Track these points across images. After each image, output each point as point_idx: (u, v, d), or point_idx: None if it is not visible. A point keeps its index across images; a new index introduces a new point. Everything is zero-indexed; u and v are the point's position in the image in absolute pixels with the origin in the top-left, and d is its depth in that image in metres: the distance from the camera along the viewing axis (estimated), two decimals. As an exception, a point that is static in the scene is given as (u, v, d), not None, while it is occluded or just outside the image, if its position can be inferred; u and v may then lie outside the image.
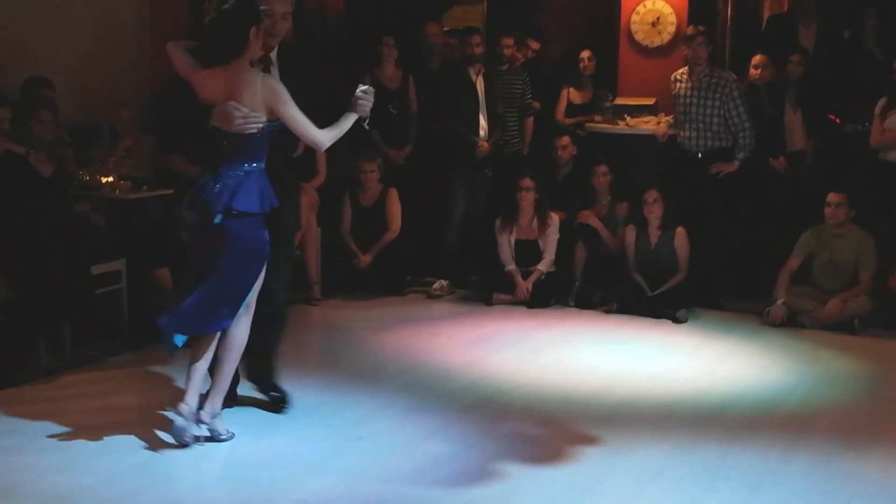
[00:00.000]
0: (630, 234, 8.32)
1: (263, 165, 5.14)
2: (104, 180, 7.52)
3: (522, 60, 9.65)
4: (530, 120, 9.38)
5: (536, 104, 9.43)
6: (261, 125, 5.03)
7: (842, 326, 7.66)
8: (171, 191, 7.57)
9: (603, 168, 8.62)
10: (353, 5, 9.65)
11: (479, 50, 8.76)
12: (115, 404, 5.92)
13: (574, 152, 9.06)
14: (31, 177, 6.62)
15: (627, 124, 9.05)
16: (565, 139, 9.08)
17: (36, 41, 7.91)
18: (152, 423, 5.55)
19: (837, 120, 8.88)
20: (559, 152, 9.04)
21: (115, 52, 8.56)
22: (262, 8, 5.12)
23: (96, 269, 7.00)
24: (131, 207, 7.63)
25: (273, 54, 5.36)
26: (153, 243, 7.35)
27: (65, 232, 6.73)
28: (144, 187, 7.66)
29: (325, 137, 5.22)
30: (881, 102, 8.05)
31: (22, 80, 7.46)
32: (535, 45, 9.96)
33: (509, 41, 9.25)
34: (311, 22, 9.16)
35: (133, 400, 6.00)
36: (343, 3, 9.70)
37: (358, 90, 5.28)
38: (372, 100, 5.30)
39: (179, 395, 5.28)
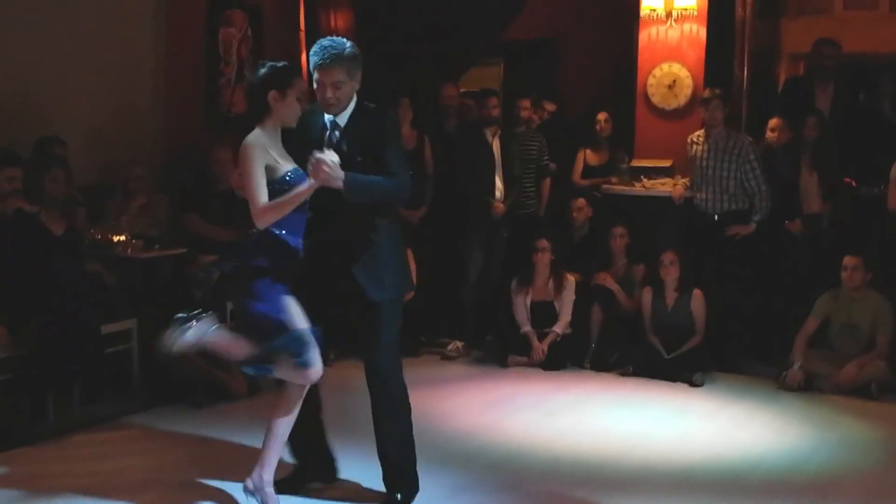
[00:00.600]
0: (646, 296, 8.27)
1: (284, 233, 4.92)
2: (116, 239, 7.51)
3: (538, 122, 9.68)
4: (547, 181, 9.39)
5: (553, 165, 9.44)
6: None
7: (859, 391, 7.56)
8: (184, 250, 7.57)
9: (620, 230, 8.60)
10: (368, 65, 9.68)
11: (496, 112, 8.80)
12: (125, 465, 5.87)
13: (590, 214, 9.05)
14: (42, 235, 6.63)
15: (644, 186, 9.03)
16: (581, 201, 9.07)
17: (48, 99, 7.95)
18: (162, 485, 5.49)
19: (853, 183, 8.84)
20: (575, 214, 9.02)
21: (129, 110, 8.61)
22: (294, 78, 4.98)
23: (107, 328, 6.98)
24: (144, 267, 7.62)
25: (343, 119, 5.13)
26: (165, 302, 7.33)
27: (76, 291, 6.72)
28: (157, 246, 7.65)
29: (260, 215, 4.82)
30: (896, 166, 8.02)
31: (34, 138, 7.50)
32: (550, 107, 10.00)
33: (526, 103, 9.31)
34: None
35: (143, 461, 5.95)
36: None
37: (316, 155, 4.80)
38: (337, 171, 4.78)
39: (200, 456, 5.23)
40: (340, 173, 4.78)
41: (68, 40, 8.10)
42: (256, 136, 4.87)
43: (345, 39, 5.12)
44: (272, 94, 4.90)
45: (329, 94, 5.00)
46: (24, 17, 7.77)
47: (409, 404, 5.34)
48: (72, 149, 7.64)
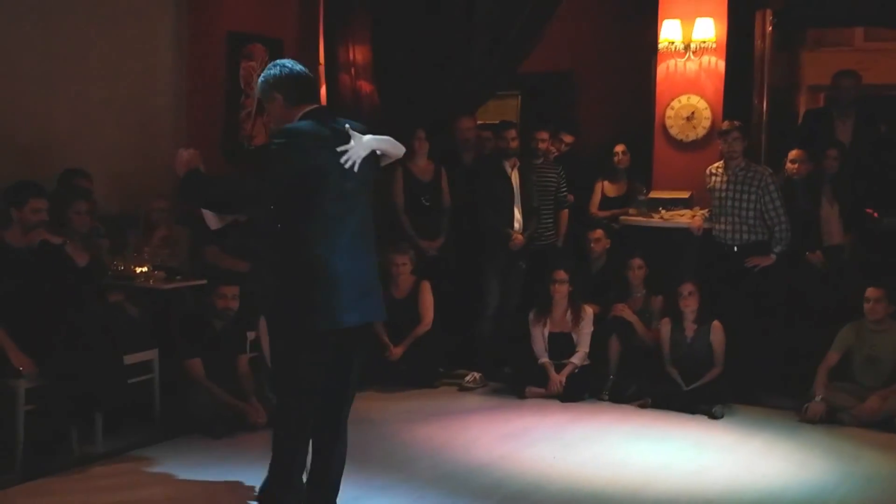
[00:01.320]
0: (665, 327, 8.25)
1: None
2: (138, 270, 7.54)
3: (556, 154, 9.71)
4: (565, 212, 9.41)
5: (570, 197, 9.45)
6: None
7: (882, 424, 7.51)
8: (204, 281, 7.60)
9: (638, 261, 8.59)
10: (387, 97, 9.77)
11: (514, 143, 8.82)
12: (147, 496, 5.90)
13: (608, 245, 9.05)
14: (66, 266, 6.68)
15: (662, 217, 9.03)
16: (598, 232, 9.08)
17: (72, 132, 8.03)
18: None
19: (875, 214, 8.83)
20: (592, 245, 9.03)
21: (151, 142, 8.68)
22: None
23: (129, 359, 7.01)
24: (165, 297, 7.66)
25: None
26: (186, 334, 7.36)
27: (98, 322, 6.76)
28: (179, 277, 7.68)
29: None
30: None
31: (58, 169, 7.56)
32: (568, 139, 10.02)
33: (544, 135, 9.34)
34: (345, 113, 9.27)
35: (165, 492, 5.97)
36: (377, 95, 9.82)
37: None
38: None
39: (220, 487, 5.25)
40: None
41: (89, 74, 8.19)
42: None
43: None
44: None
45: None
46: (45, 54, 7.86)
47: (284, 421, 5.18)
48: (94, 181, 7.69)
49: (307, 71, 5.10)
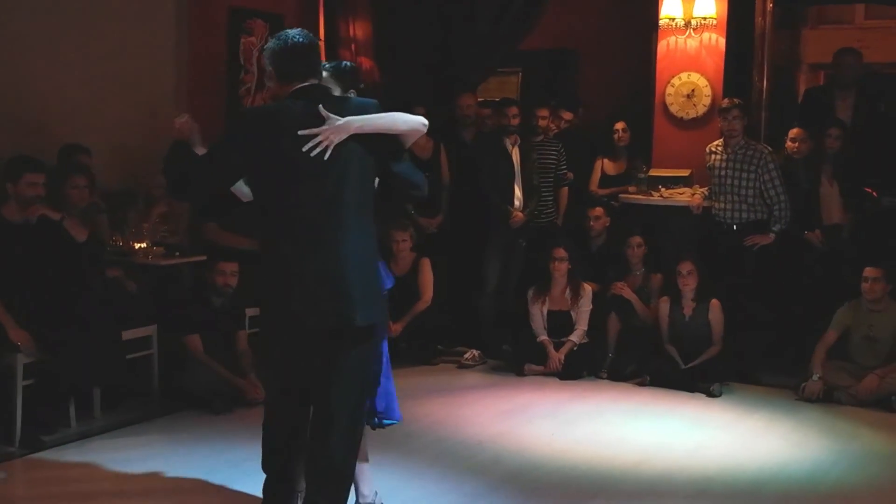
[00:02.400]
0: (664, 306, 8.26)
1: None
2: (137, 246, 7.55)
3: (556, 131, 9.69)
4: (565, 190, 9.40)
5: (570, 174, 9.44)
6: None
7: (879, 403, 7.53)
8: (203, 257, 7.61)
9: (637, 239, 8.59)
10: (388, 75, 9.74)
11: (515, 121, 8.81)
12: (145, 470, 5.91)
13: (608, 223, 9.05)
14: (65, 242, 6.67)
15: (662, 195, 9.02)
16: (598, 210, 9.07)
17: (73, 108, 8.00)
18: (180, 490, 5.52)
19: (875, 193, 8.82)
20: (592, 223, 9.02)
21: (152, 117, 8.65)
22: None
23: (128, 335, 7.02)
24: (164, 274, 7.66)
25: None
26: (185, 310, 7.37)
27: (97, 297, 6.77)
28: (178, 254, 7.69)
29: None
30: (918, 175, 8.00)
31: (59, 146, 7.54)
32: (567, 116, 10.00)
33: (544, 112, 9.32)
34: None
35: (162, 466, 5.98)
36: (378, 72, 9.79)
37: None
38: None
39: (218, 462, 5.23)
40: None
41: (91, 51, 8.15)
42: None
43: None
44: None
45: None
46: (48, 30, 7.83)
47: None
48: (95, 157, 7.68)
49: (307, 42, 4.57)
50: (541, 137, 9.26)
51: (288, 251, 4.41)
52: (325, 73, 4.80)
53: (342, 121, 4.38)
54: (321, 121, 4.37)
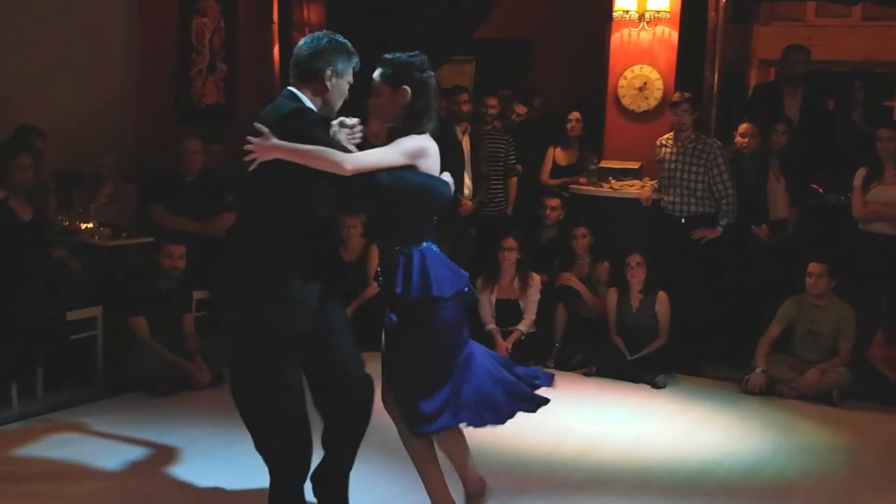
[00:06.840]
0: (611, 297, 8.30)
1: None
2: (84, 226, 7.49)
3: (505, 122, 9.67)
4: (513, 180, 9.39)
5: (519, 167, 9.43)
6: None
7: (820, 397, 7.61)
8: (150, 239, 7.54)
9: (582, 230, 8.61)
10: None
11: (466, 108, 8.80)
12: (87, 451, 5.86)
13: (562, 216, 9.06)
14: (9, 221, 6.60)
15: (612, 187, 9.06)
16: (556, 201, 9.08)
17: (22, 88, 7.91)
18: (124, 471, 5.48)
19: (820, 190, 8.92)
20: (548, 212, 9.03)
21: (101, 99, 8.58)
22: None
23: (72, 315, 6.96)
24: (110, 254, 7.59)
25: None
26: (131, 291, 7.31)
27: (41, 277, 6.70)
28: (124, 234, 7.63)
29: None
30: (860, 173, 8.04)
31: (8, 127, 7.46)
32: (520, 110, 10.01)
33: (493, 101, 9.31)
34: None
35: (105, 447, 5.94)
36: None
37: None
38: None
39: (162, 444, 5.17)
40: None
41: (39, 27, 8.06)
42: None
43: None
44: None
45: None
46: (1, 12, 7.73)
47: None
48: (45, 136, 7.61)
49: (304, 49, 4.76)
50: (489, 127, 9.25)
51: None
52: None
53: (269, 143, 4.41)
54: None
